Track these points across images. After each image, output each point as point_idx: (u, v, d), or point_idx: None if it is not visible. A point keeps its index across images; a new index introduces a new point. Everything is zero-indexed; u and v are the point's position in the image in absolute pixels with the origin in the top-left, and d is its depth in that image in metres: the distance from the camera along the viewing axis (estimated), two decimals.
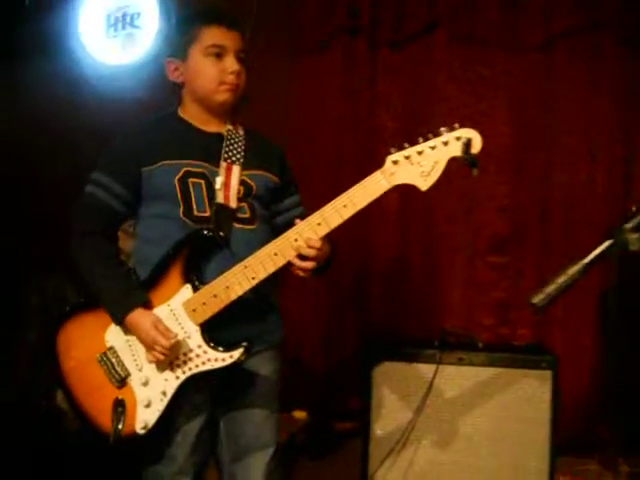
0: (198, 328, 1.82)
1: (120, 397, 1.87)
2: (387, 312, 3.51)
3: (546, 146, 3.32)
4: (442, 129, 1.67)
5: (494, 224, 3.35)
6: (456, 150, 1.65)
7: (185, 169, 1.89)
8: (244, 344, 1.79)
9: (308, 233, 1.75)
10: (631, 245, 1.75)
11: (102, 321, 1.89)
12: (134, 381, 1.86)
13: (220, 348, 1.81)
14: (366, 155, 3.44)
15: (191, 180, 1.89)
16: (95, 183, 1.92)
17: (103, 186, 1.91)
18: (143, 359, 1.85)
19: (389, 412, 2.76)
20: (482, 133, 3.26)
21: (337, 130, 3.58)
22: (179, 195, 1.88)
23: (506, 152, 3.33)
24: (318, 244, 1.76)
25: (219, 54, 1.91)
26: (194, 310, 1.82)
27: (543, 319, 3.31)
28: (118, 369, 1.88)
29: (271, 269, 1.78)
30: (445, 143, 1.66)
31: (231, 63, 1.90)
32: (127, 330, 1.86)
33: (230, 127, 2.00)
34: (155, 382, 1.85)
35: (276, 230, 1.96)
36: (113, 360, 1.88)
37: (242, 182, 1.93)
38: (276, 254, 1.77)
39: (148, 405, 1.85)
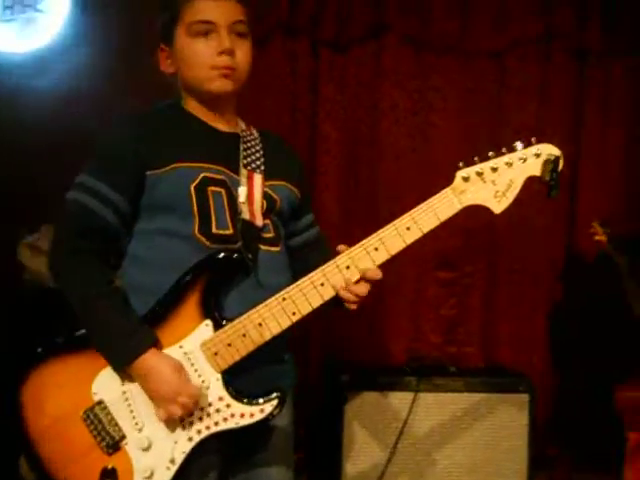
0: (220, 376, 1.48)
1: (110, 466, 1.48)
2: (329, 330, 3.24)
3: None
4: (517, 143, 1.48)
5: (443, 240, 3.19)
6: (535, 169, 1.47)
7: (203, 174, 1.53)
8: (276, 394, 1.47)
9: (363, 260, 1.46)
10: None
11: (88, 367, 1.50)
12: (131, 445, 1.48)
13: (246, 400, 1.46)
14: (307, 166, 3.17)
15: (210, 189, 1.52)
16: (84, 189, 1.52)
17: (95, 193, 1.51)
18: (145, 416, 1.48)
19: (362, 447, 2.54)
20: (432, 144, 3.19)
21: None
22: (195, 206, 1.51)
23: (455, 165, 3.17)
24: (378, 275, 1.47)
25: (208, 32, 1.54)
26: (216, 354, 1.47)
27: (490, 336, 3.21)
28: (110, 429, 1.49)
29: (316, 302, 1.47)
30: (523, 160, 1.46)
31: (220, 41, 1.53)
32: (126, 378, 1.48)
33: (243, 126, 1.66)
34: (160, 446, 1.47)
35: (290, 253, 1.66)
36: (103, 418, 1.49)
37: (266, 194, 1.60)
38: (323, 284, 1.47)
39: (150, 476, 1.47)
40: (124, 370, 1.47)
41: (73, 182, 1.56)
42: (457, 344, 3.24)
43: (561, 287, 3.18)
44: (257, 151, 1.63)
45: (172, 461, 1.46)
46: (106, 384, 1.49)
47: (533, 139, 1.49)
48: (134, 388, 1.48)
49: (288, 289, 1.47)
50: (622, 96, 3.14)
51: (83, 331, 1.52)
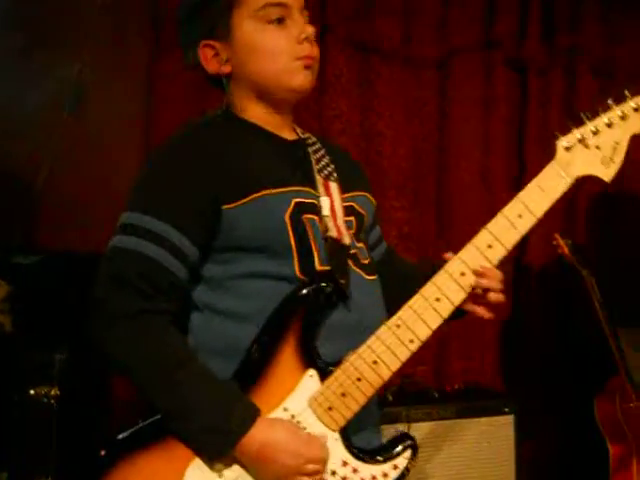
0: (338, 436, 1.20)
1: None
2: None
3: (441, 168, 3.11)
4: (610, 102, 1.33)
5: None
6: (637, 125, 1.32)
7: (295, 200, 1.24)
8: (408, 442, 1.22)
9: (478, 261, 1.25)
10: None
11: (170, 465, 1.17)
12: None
13: (373, 458, 1.21)
14: None
15: (306, 216, 1.25)
16: (144, 234, 1.19)
17: (161, 241, 1.19)
18: None
19: None
20: (380, 154, 3.04)
21: None
22: (292, 241, 1.22)
23: (403, 175, 3.05)
24: (499, 275, 1.29)
25: (282, 17, 1.29)
26: (330, 408, 1.19)
27: (441, 354, 3.10)
28: None
29: (435, 323, 1.24)
30: (622, 117, 1.31)
31: (302, 26, 1.30)
32: (224, 466, 1.15)
33: (300, 130, 1.41)
34: None
35: None
36: None
37: (349, 209, 1.33)
38: (438, 299, 1.24)
39: None
40: (224, 456, 1.15)
41: (119, 222, 1.22)
42: (409, 362, 3.09)
43: (511, 303, 3.13)
44: (324, 157, 1.38)
45: None
46: (202, 477, 1.16)
47: (627, 92, 1.34)
48: (242, 475, 1.17)
49: (399, 313, 1.23)
50: (561, 108, 3.15)
51: (153, 418, 1.19)
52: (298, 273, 1.23)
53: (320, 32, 2.89)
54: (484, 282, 1.28)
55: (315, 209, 1.29)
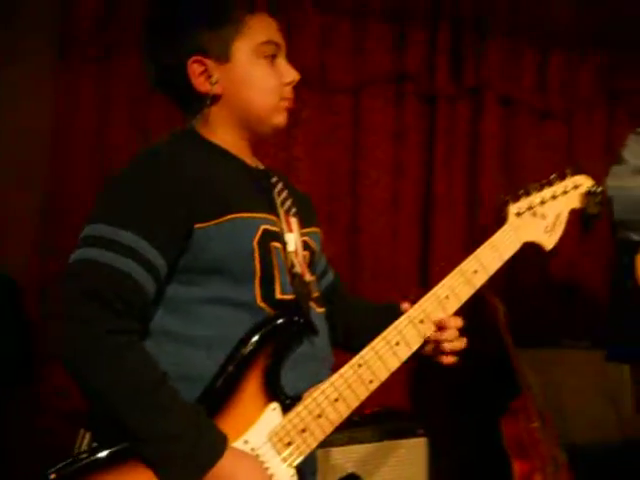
0: (294, 472, 1.20)
1: None
2: None
3: (354, 193, 3.19)
4: (552, 176, 1.45)
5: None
6: (575, 201, 1.45)
7: (264, 227, 1.25)
8: None
9: (436, 311, 1.32)
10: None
11: None
12: None
13: None
14: None
15: (272, 244, 1.25)
16: (117, 248, 1.14)
17: (135, 255, 1.14)
18: None
19: None
20: (297, 179, 3.08)
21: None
22: (257, 268, 1.22)
23: (319, 200, 3.10)
24: (458, 322, 1.35)
25: (274, 55, 1.33)
26: (289, 443, 1.19)
27: None
28: None
29: (394, 365, 1.30)
30: (564, 192, 1.44)
31: (289, 69, 1.35)
32: None
33: (259, 162, 1.42)
34: None
35: None
36: None
37: (305, 244, 1.37)
38: (398, 343, 1.30)
39: None
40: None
41: (86, 233, 1.16)
42: None
43: None
44: (283, 190, 1.40)
45: None
46: None
47: (567, 170, 1.47)
48: None
49: (362, 354, 1.27)
50: (467, 136, 3.30)
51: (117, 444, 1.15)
52: (259, 300, 1.24)
53: None
54: (443, 336, 1.35)
55: (279, 238, 1.30)
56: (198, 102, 1.33)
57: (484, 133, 3.27)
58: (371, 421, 2.62)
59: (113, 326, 1.13)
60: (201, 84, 1.31)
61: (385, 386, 3.04)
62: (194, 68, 1.30)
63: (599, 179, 1.79)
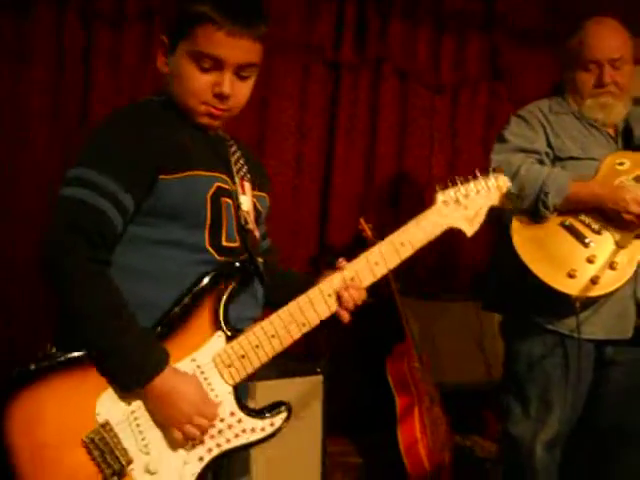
0: (231, 390, 1.44)
1: None
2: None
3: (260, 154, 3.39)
4: (477, 172, 1.62)
5: None
6: (495, 199, 1.63)
7: (217, 184, 1.45)
8: (285, 407, 1.48)
9: (365, 273, 1.51)
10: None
11: (90, 386, 1.36)
12: (137, 470, 1.38)
13: (256, 415, 1.46)
14: None
15: (223, 199, 1.45)
16: (92, 187, 1.34)
17: (106, 193, 1.35)
18: (153, 437, 1.39)
19: None
20: None
21: (41, 125, 2.97)
22: (208, 217, 1.43)
23: None
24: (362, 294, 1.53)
25: (208, 68, 1.43)
26: (230, 365, 1.43)
27: None
28: (116, 453, 1.36)
29: (325, 314, 1.50)
30: (487, 189, 1.62)
31: (220, 83, 1.44)
32: (134, 397, 1.37)
33: (221, 130, 1.58)
34: (168, 468, 1.40)
35: None
36: (109, 441, 1.36)
37: (254, 206, 1.58)
38: (330, 295, 1.49)
39: None
40: (139, 390, 1.37)
41: (72, 175, 1.36)
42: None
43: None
44: (240, 157, 1.58)
45: None
46: (112, 404, 1.37)
47: (490, 169, 1.64)
48: (142, 407, 1.38)
49: (299, 299, 1.47)
50: (367, 103, 3.57)
51: (80, 350, 1.37)
52: (207, 244, 1.44)
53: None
54: (354, 294, 1.51)
55: (230, 195, 1.49)
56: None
57: (382, 101, 3.55)
58: (271, 361, 2.87)
59: (91, 255, 1.34)
60: (158, 58, 1.50)
61: None
62: (160, 47, 1.50)
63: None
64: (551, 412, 2.26)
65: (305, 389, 2.85)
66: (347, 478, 3.18)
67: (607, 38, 2.26)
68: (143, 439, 1.38)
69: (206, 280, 1.43)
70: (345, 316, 1.53)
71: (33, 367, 1.35)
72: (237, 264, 1.46)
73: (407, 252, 1.53)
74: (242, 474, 1.65)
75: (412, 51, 3.59)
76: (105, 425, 1.36)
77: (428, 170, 3.72)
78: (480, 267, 3.59)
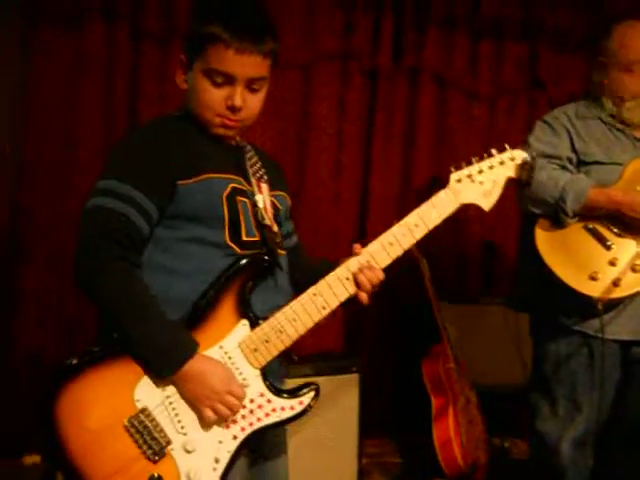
0: (259, 373, 1.55)
1: (157, 474, 1.48)
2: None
3: (301, 161, 3.52)
4: (493, 150, 1.66)
5: None
6: (511, 170, 1.66)
7: (232, 185, 1.58)
8: (313, 386, 1.57)
9: (380, 255, 1.58)
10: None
11: (128, 375, 1.49)
12: (176, 450, 1.50)
13: (285, 395, 1.56)
14: None
15: (239, 198, 1.58)
16: (115, 195, 1.49)
17: (128, 200, 1.49)
18: (189, 419, 1.50)
19: None
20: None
21: (94, 132, 3.18)
22: (226, 216, 1.55)
23: None
24: (379, 275, 1.59)
25: (221, 83, 1.55)
26: (255, 350, 1.54)
27: None
28: (157, 435, 1.48)
29: (343, 296, 1.57)
30: (501, 163, 1.65)
31: (232, 96, 1.55)
32: (168, 383, 1.49)
33: (238, 137, 1.71)
34: (205, 447, 1.51)
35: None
36: (148, 424, 1.47)
37: (272, 204, 1.70)
38: (348, 279, 1.57)
39: (196, 479, 1.49)
40: (172, 377, 1.49)
41: (97, 187, 1.51)
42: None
43: None
44: (257, 162, 1.71)
45: (217, 461, 1.50)
46: (148, 391, 1.49)
47: (506, 145, 1.68)
48: (176, 392, 1.50)
49: (317, 285, 1.56)
50: (404, 111, 3.67)
51: (115, 339, 1.50)
52: (228, 240, 1.56)
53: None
54: (370, 275, 1.57)
55: (246, 194, 1.61)
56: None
57: (419, 108, 3.65)
58: (309, 360, 2.95)
59: (120, 254, 1.48)
60: (177, 74, 1.62)
61: (322, 330, 3.46)
62: (179, 65, 1.62)
63: None
64: (579, 411, 2.30)
65: (342, 387, 2.94)
66: (385, 478, 3.25)
67: None
68: (179, 421, 1.50)
69: (229, 271, 1.54)
70: (363, 297, 1.59)
71: (75, 361, 1.48)
72: (257, 254, 1.57)
73: (421, 232, 1.59)
74: (279, 454, 1.75)
75: (449, 59, 3.67)
76: (144, 410, 1.48)
77: None
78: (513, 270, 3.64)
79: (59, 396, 1.46)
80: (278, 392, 1.56)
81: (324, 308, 1.56)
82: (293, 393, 1.57)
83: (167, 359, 1.48)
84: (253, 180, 1.66)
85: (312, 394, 1.57)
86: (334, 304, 1.57)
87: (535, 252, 2.25)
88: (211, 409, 1.49)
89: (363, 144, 3.63)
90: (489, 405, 3.30)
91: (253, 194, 1.64)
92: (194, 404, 1.50)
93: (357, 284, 1.58)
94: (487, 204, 1.65)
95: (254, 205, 1.63)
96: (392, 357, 3.54)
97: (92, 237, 1.48)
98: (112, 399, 1.48)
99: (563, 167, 2.28)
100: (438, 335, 3.19)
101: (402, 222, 1.60)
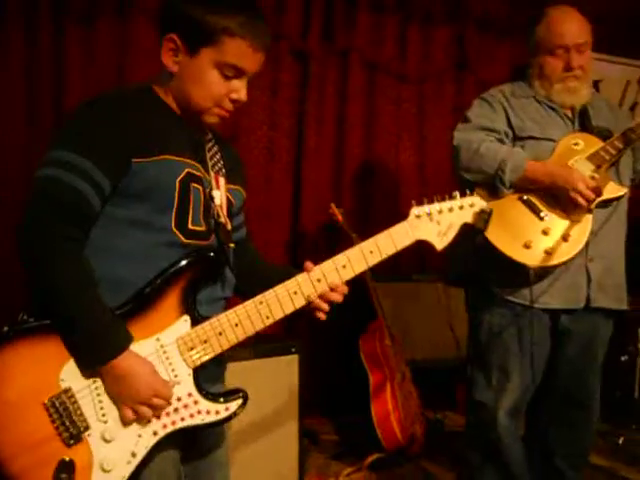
0: (191, 372, 1.50)
1: (68, 458, 1.42)
2: None
3: (233, 143, 3.49)
4: (455, 193, 1.71)
5: None
6: (469, 216, 1.71)
7: (187, 170, 1.51)
8: (241, 394, 1.54)
9: (332, 275, 1.58)
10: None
11: (57, 354, 1.42)
12: (94, 437, 1.44)
13: (213, 399, 1.52)
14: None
15: (192, 185, 1.52)
16: (70, 168, 1.39)
17: (83, 174, 1.40)
18: (110, 408, 1.45)
19: None
20: None
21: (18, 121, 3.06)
22: (176, 200, 1.49)
23: None
24: (344, 289, 1.60)
25: (231, 76, 1.52)
26: (192, 348, 1.50)
27: None
28: (75, 418, 1.42)
29: (289, 310, 1.56)
30: (460, 207, 1.70)
31: (240, 90, 1.54)
32: (100, 373, 1.43)
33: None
34: (123, 439, 1.45)
35: None
36: (69, 406, 1.42)
37: (227, 199, 1.64)
38: (296, 293, 1.56)
39: (109, 470, 1.44)
40: (101, 367, 1.43)
41: (51, 156, 1.41)
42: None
43: (289, 262, 3.63)
44: (216, 152, 1.66)
45: (133, 455, 1.46)
46: (75, 373, 1.43)
47: (467, 191, 1.73)
48: (98, 383, 1.45)
49: (265, 294, 1.54)
50: (335, 93, 3.70)
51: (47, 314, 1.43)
52: (173, 226, 1.49)
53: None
54: (334, 296, 1.58)
55: (201, 181, 1.55)
56: (166, 69, 1.55)
57: (350, 91, 3.68)
58: (249, 343, 2.94)
59: (66, 232, 1.40)
60: (166, 57, 1.53)
61: None
62: (168, 43, 1.51)
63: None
64: (509, 380, 2.37)
65: (281, 369, 2.94)
66: (323, 455, 3.27)
67: (572, 24, 2.37)
68: (102, 408, 1.44)
69: (181, 264, 1.49)
70: (320, 315, 1.61)
71: (6, 329, 1.42)
72: (212, 254, 1.54)
73: (375, 259, 1.61)
74: (216, 447, 1.72)
75: (379, 41, 3.72)
76: (67, 391, 1.42)
77: (396, 157, 3.85)
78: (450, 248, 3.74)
79: None
80: (207, 395, 1.52)
81: (267, 318, 1.54)
82: (221, 398, 1.53)
83: (96, 351, 1.42)
84: (212, 173, 1.62)
85: (239, 401, 1.54)
86: (278, 316, 1.56)
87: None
88: (132, 410, 1.45)
89: (295, 126, 3.64)
90: (422, 379, 3.38)
91: (209, 182, 1.60)
92: (116, 400, 1.46)
93: (314, 307, 1.59)
94: (440, 244, 1.68)
95: (207, 194, 1.58)
96: (331, 337, 3.57)
97: (43, 211, 1.40)
98: (37, 374, 1.42)
99: (500, 140, 2.35)
100: (374, 312, 3.23)
101: (358, 247, 1.61)
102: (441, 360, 3.62)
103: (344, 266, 1.59)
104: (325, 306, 1.59)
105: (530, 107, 2.42)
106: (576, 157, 2.32)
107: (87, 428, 1.44)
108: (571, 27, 2.37)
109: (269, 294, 1.55)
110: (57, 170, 1.41)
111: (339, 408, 3.46)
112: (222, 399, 1.53)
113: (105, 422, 1.45)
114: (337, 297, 1.59)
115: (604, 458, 3.24)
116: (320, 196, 3.65)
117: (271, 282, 1.57)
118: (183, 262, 1.50)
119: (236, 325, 1.52)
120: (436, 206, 1.67)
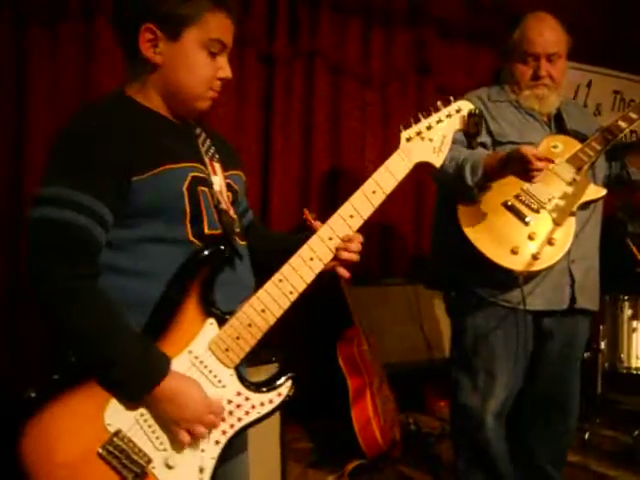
0: (233, 372, 1.44)
1: None
2: None
3: None
4: (439, 103, 1.61)
5: None
6: (458, 123, 1.62)
7: (192, 174, 1.44)
8: (290, 374, 1.49)
9: (342, 228, 1.50)
10: None
11: (95, 400, 1.35)
12: (158, 467, 1.39)
13: (262, 389, 1.47)
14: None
15: (200, 189, 1.44)
16: (65, 204, 1.32)
17: (81, 208, 1.33)
18: (166, 434, 1.39)
19: None
20: None
21: None
22: (188, 209, 1.42)
23: None
24: (359, 237, 1.52)
25: (216, 53, 1.46)
26: (227, 350, 1.43)
27: None
28: (135, 457, 1.37)
29: (309, 278, 1.47)
30: (448, 116, 1.61)
31: (225, 68, 1.49)
32: (146, 402, 1.37)
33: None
34: (187, 459, 1.41)
35: None
36: (125, 447, 1.36)
37: (228, 186, 1.55)
38: (312, 259, 1.48)
39: None
40: (144, 398, 1.37)
41: (39, 196, 1.33)
42: None
43: None
44: (206, 140, 1.57)
45: (202, 470, 1.42)
46: (119, 412, 1.37)
47: (451, 98, 1.63)
48: (146, 410, 1.39)
49: (282, 270, 1.46)
50: (301, 96, 3.67)
51: (73, 363, 1.37)
52: (190, 236, 1.43)
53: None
54: (352, 247, 1.50)
55: (206, 183, 1.47)
56: (142, 66, 1.46)
57: (316, 94, 3.67)
58: None
59: (76, 272, 1.34)
60: (146, 49, 1.43)
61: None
62: (145, 34, 1.42)
63: None
64: (496, 382, 2.38)
65: (261, 378, 2.90)
66: (299, 464, 3.22)
67: (545, 33, 2.38)
68: (157, 437, 1.40)
69: (182, 270, 1.43)
70: (343, 272, 1.54)
71: (34, 394, 1.35)
72: (206, 251, 1.45)
73: (380, 198, 1.53)
74: (241, 451, 1.66)
75: (342, 45, 3.71)
76: (118, 433, 1.37)
77: (362, 159, 3.85)
78: (418, 251, 3.75)
79: (23, 436, 1.32)
80: (254, 387, 1.48)
81: (291, 293, 1.46)
82: (269, 385, 1.49)
83: (137, 382, 1.36)
84: (207, 160, 1.53)
85: (289, 383, 1.49)
86: (301, 287, 1.48)
87: (453, 229, 2.30)
88: (187, 431, 1.39)
89: (263, 130, 3.59)
90: (394, 383, 3.36)
91: (209, 178, 1.51)
92: (169, 425, 1.40)
93: (340, 259, 1.51)
94: (438, 161, 1.60)
95: (214, 193, 1.50)
96: (309, 345, 3.53)
97: (43, 255, 1.34)
98: (81, 428, 1.35)
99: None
100: (350, 319, 3.21)
101: (359, 191, 1.53)
102: (413, 362, 3.63)
103: (351, 216, 1.51)
104: (348, 256, 1.51)
105: (507, 111, 2.44)
106: (556, 160, 2.34)
107: (149, 461, 1.39)
108: (544, 36, 2.39)
109: (285, 269, 1.47)
110: (53, 209, 1.33)
111: (310, 414, 3.42)
112: (271, 386, 1.48)
113: (164, 450, 1.40)
114: (355, 246, 1.51)
115: (574, 454, 3.30)
116: (288, 199, 3.61)
117: (291, 249, 1.49)
118: (188, 264, 1.43)
119: (263, 311, 1.45)
120: (424, 123, 1.57)
